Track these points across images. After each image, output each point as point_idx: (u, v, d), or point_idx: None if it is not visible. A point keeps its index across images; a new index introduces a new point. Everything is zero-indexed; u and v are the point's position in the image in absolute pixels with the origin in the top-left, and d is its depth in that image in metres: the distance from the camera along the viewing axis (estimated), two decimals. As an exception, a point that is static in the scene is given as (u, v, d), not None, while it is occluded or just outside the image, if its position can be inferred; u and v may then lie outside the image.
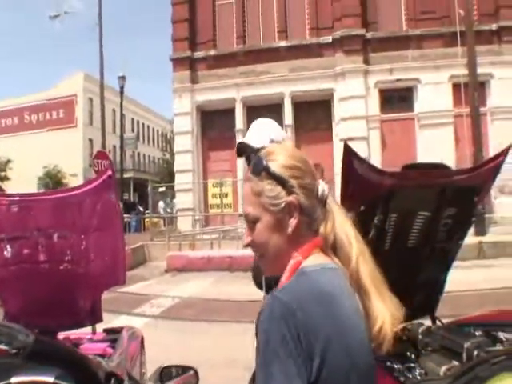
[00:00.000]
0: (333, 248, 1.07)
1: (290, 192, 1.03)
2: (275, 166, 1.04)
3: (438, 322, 2.54)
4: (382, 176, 2.34)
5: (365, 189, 2.34)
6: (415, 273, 2.56)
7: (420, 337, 2.22)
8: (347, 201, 2.32)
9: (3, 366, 1.79)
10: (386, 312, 1.02)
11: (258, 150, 1.58)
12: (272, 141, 1.87)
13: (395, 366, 2.02)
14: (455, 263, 2.73)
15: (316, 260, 1.03)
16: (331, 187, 4.09)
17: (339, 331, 0.94)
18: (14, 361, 1.75)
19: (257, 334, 0.93)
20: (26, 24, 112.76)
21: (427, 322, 2.48)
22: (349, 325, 0.97)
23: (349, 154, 2.25)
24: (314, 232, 1.07)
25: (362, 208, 2.34)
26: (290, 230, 1.04)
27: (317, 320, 0.91)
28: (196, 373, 1.82)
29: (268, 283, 1.96)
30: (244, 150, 1.89)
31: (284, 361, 0.86)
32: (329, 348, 0.90)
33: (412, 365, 2.06)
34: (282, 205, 1.03)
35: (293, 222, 1.04)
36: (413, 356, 2.17)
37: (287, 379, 0.85)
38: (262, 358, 0.88)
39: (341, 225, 1.08)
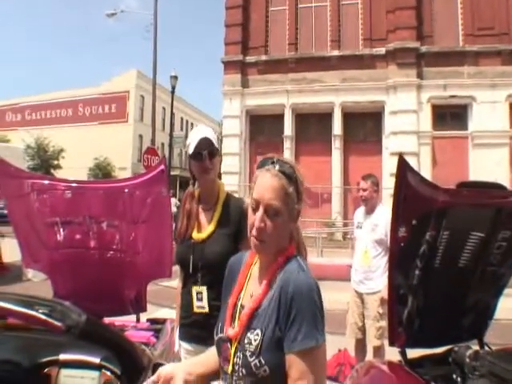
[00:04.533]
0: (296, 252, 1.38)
1: (299, 203, 1.32)
2: (299, 181, 1.32)
3: (485, 348, 2.44)
4: (436, 191, 2.28)
5: (418, 203, 2.29)
6: (464, 294, 2.48)
7: (467, 360, 2.14)
8: (399, 214, 2.28)
9: (54, 342, 1.86)
10: None
11: (215, 148, 2.18)
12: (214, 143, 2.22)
13: (440, 387, 1.96)
14: (508, 290, 2.62)
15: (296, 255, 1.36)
16: (377, 202, 3.96)
17: None
18: (64, 338, 1.82)
19: (291, 302, 1.20)
20: (86, 22, 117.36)
21: (474, 346, 2.39)
22: None
23: (403, 166, 2.22)
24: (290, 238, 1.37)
25: (414, 222, 2.30)
26: (290, 231, 1.34)
27: None
28: None
29: (195, 263, 2.16)
30: (202, 149, 2.15)
31: (321, 319, 1.22)
32: None
33: (458, 388, 2.00)
34: (295, 211, 1.32)
35: (293, 225, 1.35)
36: (459, 379, 2.10)
37: (323, 333, 1.22)
38: (311, 318, 1.20)
39: (301, 238, 1.41)
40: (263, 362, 1.22)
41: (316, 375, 1.19)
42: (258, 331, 1.25)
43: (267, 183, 1.29)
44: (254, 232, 1.30)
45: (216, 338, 1.40)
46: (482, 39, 15.76)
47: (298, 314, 1.19)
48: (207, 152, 2.16)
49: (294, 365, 1.18)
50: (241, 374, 1.27)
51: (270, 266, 1.33)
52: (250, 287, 1.40)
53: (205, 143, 2.15)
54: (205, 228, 2.22)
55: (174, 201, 22.35)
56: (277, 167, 1.30)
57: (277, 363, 1.21)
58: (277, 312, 1.23)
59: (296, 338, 1.18)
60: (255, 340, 1.24)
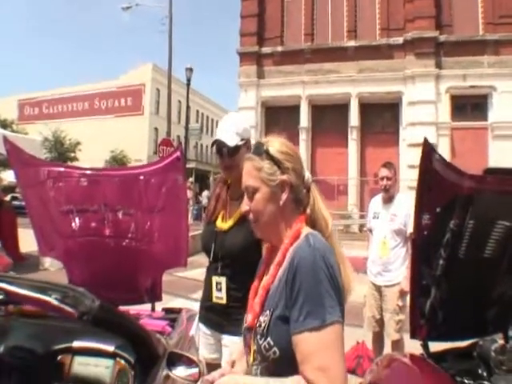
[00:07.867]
0: (310, 225, 1.32)
1: (283, 172, 1.29)
2: (273, 151, 1.31)
3: (511, 342, 2.34)
4: (462, 177, 2.18)
5: (442, 189, 2.20)
6: (489, 285, 2.38)
7: (493, 355, 2.05)
8: (423, 200, 2.19)
9: (67, 329, 1.83)
10: (350, 280, 1.29)
11: (231, 147, 2.07)
12: (242, 139, 2.13)
13: (466, 382, 1.88)
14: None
15: (308, 229, 1.29)
16: (396, 191, 3.84)
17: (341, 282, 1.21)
18: (77, 325, 1.79)
19: (294, 277, 1.15)
20: (104, 17, 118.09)
21: (499, 340, 2.30)
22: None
23: (428, 150, 2.13)
24: (299, 210, 1.33)
25: (439, 210, 2.21)
26: (281, 202, 1.29)
27: (337, 269, 1.20)
28: (200, 372, 1.61)
29: (216, 252, 2.16)
30: (221, 147, 2.13)
31: (329, 296, 1.13)
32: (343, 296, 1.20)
33: (485, 383, 1.91)
34: (277, 181, 1.29)
35: (284, 196, 1.29)
36: (485, 374, 2.01)
37: (334, 311, 1.13)
38: (314, 294, 1.12)
39: (320, 208, 1.36)
40: (272, 343, 1.18)
41: (324, 356, 1.09)
42: (268, 312, 1.21)
43: (243, 170, 1.35)
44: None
45: (243, 329, 1.38)
46: (503, 27, 15.41)
47: (301, 291, 1.14)
48: (227, 149, 2.12)
49: (298, 347, 1.12)
50: (258, 361, 1.24)
51: (280, 248, 1.30)
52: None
53: (222, 143, 2.12)
54: (229, 218, 2.20)
55: (205, 193, 22.71)
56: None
57: (286, 345, 1.15)
58: (285, 291, 1.18)
59: (298, 318, 1.12)
60: (264, 321, 1.21)
